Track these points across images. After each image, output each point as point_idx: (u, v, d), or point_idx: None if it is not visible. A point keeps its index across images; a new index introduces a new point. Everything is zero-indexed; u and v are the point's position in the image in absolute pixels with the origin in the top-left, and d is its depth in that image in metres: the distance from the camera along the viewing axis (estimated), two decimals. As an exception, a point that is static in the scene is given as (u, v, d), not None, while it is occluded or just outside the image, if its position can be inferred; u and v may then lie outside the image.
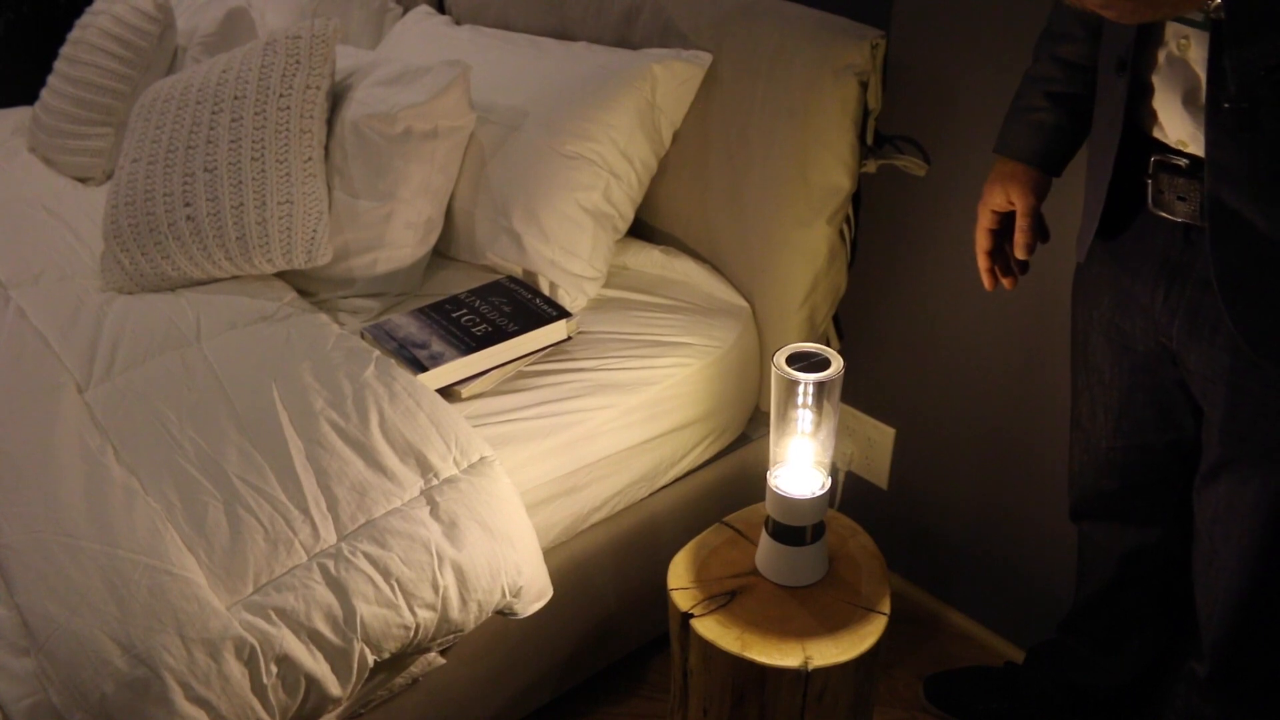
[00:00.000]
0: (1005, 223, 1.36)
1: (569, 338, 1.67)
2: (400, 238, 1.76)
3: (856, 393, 1.97)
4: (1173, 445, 1.31)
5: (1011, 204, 1.33)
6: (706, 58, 1.76)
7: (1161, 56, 1.08)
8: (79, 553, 1.21)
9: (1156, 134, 1.12)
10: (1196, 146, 1.06)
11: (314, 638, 1.23)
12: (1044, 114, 1.31)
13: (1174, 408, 1.27)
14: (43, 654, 1.13)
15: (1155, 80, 1.09)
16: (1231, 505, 1.15)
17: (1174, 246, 1.13)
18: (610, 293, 1.83)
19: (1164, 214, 1.13)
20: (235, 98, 1.74)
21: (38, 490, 1.30)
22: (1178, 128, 1.08)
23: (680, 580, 1.40)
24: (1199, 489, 1.21)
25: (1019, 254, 1.34)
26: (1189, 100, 1.06)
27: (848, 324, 1.92)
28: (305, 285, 1.79)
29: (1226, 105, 0.98)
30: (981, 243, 1.38)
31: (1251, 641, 1.21)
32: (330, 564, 1.27)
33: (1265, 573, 1.15)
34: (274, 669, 1.20)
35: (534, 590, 1.44)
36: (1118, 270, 1.23)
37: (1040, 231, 1.34)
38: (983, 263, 1.38)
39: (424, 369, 1.53)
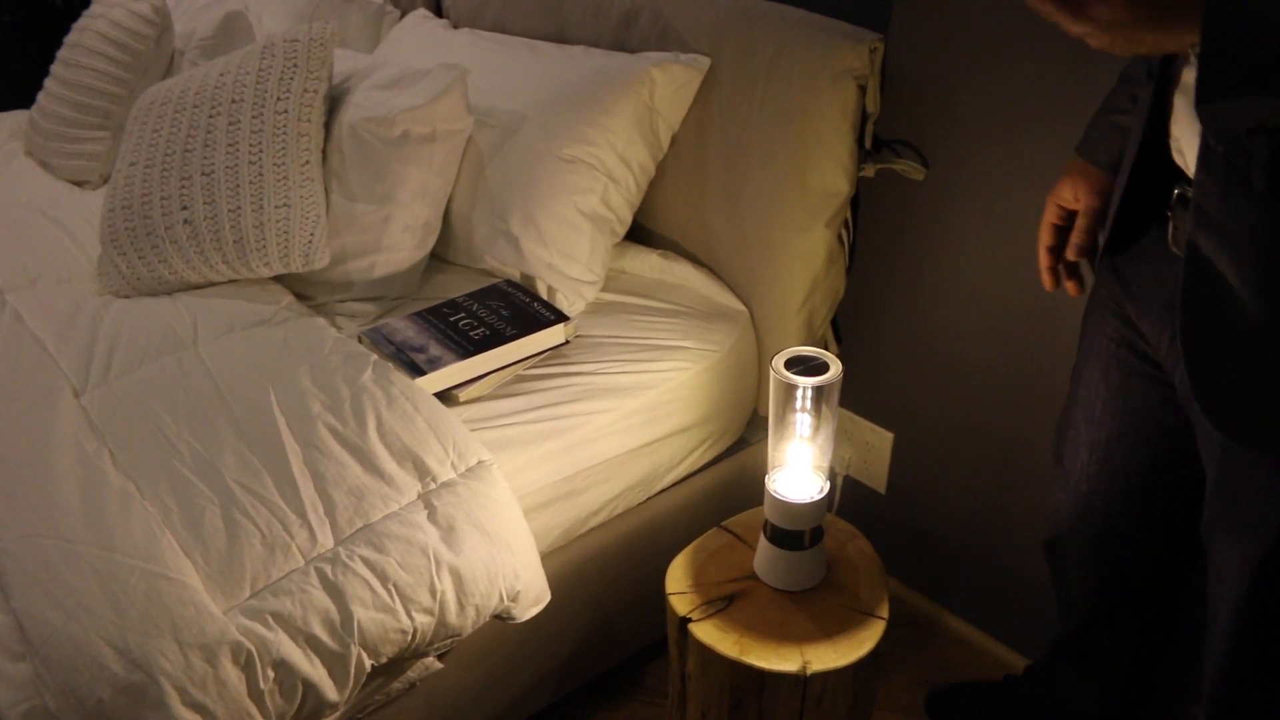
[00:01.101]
0: (1071, 220, 1.31)
1: (567, 342, 1.67)
2: (398, 241, 1.76)
3: (855, 397, 1.96)
4: (1161, 487, 1.27)
5: (1078, 201, 1.27)
6: (705, 61, 1.76)
7: (1185, 75, 1.01)
8: (75, 557, 1.21)
9: (1178, 161, 1.05)
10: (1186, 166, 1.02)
11: (311, 642, 1.23)
12: (1126, 116, 1.23)
13: (1167, 451, 1.23)
14: (39, 659, 1.13)
15: (1177, 100, 1.03)
16: (1221, 565, 1.11)
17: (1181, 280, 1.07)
18: (608, 297, 1.82)
19: (1175, 249, 1.07)
20: (233, 101, 1.73)
21: (34, 495, 1.30)
22: (1191, 158, 1.01)
23: (678, 584, 1.39)
24: (1204, 539, 1.16)
25: (1070, 255, 1.28)
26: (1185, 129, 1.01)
27: (846, 328, 1.92)
28: (303, 289, 1.79)
29: (1220, 149, 0.90)
30: (1044, 237, 1.32)
31: (1244, 700, 1.17)
32: (327, 568, 1.26)
33: (1248, 635, 1.11)
34: (271, 674, 1.20)
35: (532, 594, 1.44)
36: (1124, 298, 1.19)
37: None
38: (1044, 260, 1.33)
39: (422, 373, 1.53)
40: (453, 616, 1.33)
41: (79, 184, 2.29)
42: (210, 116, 1.74)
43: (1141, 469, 1.27)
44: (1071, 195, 1.28)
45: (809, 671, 1.27)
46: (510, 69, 1.91)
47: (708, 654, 1.31)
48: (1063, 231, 1.31)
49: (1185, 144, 1.02)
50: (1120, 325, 1.22)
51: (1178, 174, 1.05)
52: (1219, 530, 1.10)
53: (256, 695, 1.19)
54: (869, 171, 1.70)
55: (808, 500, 1.33)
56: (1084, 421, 1.30)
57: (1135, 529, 1.33)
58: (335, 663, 1.25)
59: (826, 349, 1.79)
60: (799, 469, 1.36)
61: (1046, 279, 1.34)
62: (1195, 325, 0.98)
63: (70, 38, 2.37)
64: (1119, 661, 1.47)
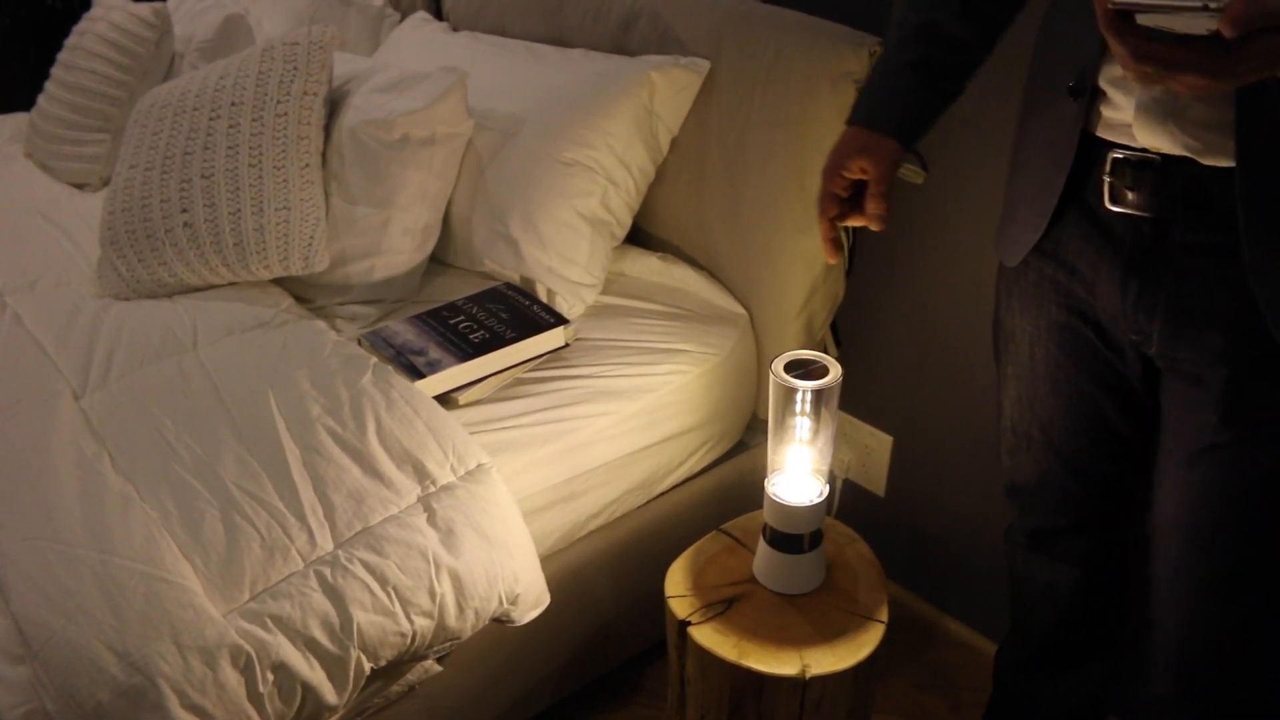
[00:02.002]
0: (852, 190, 1.33)
1: (566, 345, 1.67)
2: (398, 244, 1.76)
3: (854, 400, 1.97)
4: (1104, 462, 1.29)
5: (867, 172, 1.29)
6: (704, 65, 1.76)
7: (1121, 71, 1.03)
8: (74, 560, 1.21)
9: (1107, 135, 1.08)
10: (1174, 149, 1.02)
11: (310, 645, 1.23)
12: (909, 87, 1.28)
13: (1113, 417, 1.24)
14: (38, 662, 1.13)
15: (1117, 97, 1.05)
16: (1225, 487, 1.09)
17: (1142, 241, 1.08)
18: (608, 300, 1.82)
19: (1122, 209, 1.08)
20: (233, 104, 1.74)
21: (33, 498, 1.30)
22: (1154, 137, 1.03)
23: (678, 588, 1.39)
24: (1167, 480, 1.15)
25: (876, 226, 1.30)
26: (1171, 115, 1.01)
27: (845, 331, 1.92)
28: (302, 292, 1.79)
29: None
30: (829, 209, 1.33)
31: (1232, 641, 1.15)
32: (327, 571, 1.26)
33: (1255, 554, 1.10)
34: (270, 677, 1.19)
35: (531, 598, 1.44)
36: (1059, 272, 1.19)
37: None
38: (828, 231, 1.34)
39: (421, 376, 1.53)
40: (452, 619, 1.33)
41: (79, 186, 2.29)
42: (210, 119, 1.74)
43: (1090, 440, 1.29)
44: (859, 167, 1.29)
45: (808, 675, 1.27)
46: (510, 72, 1.92)
47: (707, 657, 1.31)
48: (843, 202, 1.33)
49: (1141, 130, 1.04)
50: (1061, 301, 1.21)
51: (1092, 146, 1.09)
52: (1219, 452, 1.09)
53: (256, 698, 1.19)
54: (868, 175, 1.70)
55: (807, 504, 1.33)
56: (1037, 400, 1.30)
57: (1089, 517, 1.36)
58: (334, 666, 1.24)
59: (826, 352, 1.79)
60: (798, 472, 1.36)
61: (830, 250, 1.35)
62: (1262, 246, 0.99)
63: (70, 40, 2.37)
64: (1074, 660, 1.47)
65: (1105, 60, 1.06)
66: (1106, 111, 1.08)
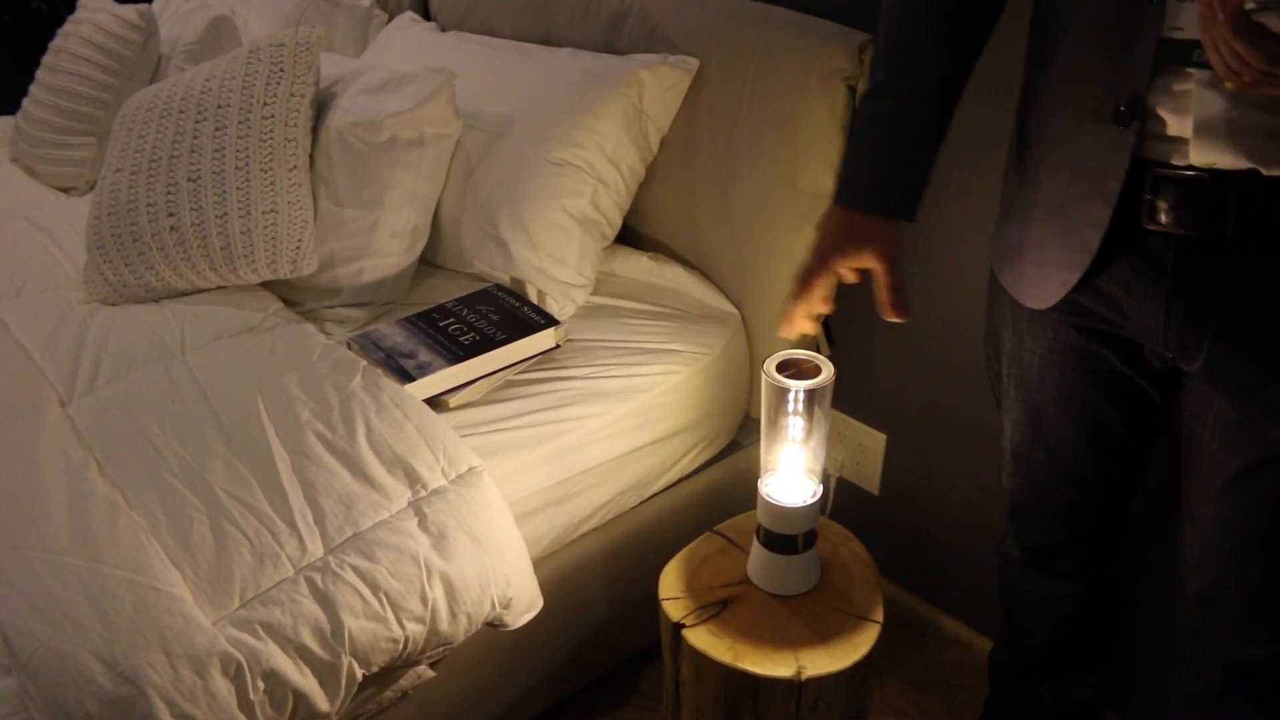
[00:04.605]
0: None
1: (557, 346, 1.66)
2: (386, 246, 1.75)
3: (847, 398, 1.96)
4: (1108, 473, 1.28)
5: (877, 261, 1.20)
6: (693, 63, 1.76)
7: (1175, 88, 0.99)
8: (62, 569, 1.20)
9: (1153, 156, 1.03)
10: (1228, 163, 0.99)
11: (301, 652, 1.22)
12: (912, 161, 1.18)
13: (1121, 429, 1.23)
14: (25, 673, 1.11)
15: (1169, 116, 1.00)
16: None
17: (1185, 260, 1.04)
18: (598, 300, 1.82)
19: (1164, 229, 1.04)
20: (219, 106, 1.72)
21: (20, 506, 1.29)
22: (1214, 152, 0.99)
23: (671, 590, 1.39)
24: (1216, 488, 1.12)
25: (902, 318, 1.22)
26: (1233, 127, 0.98)
27: (837, 329, 1.91)
28: (291, 295, 1.78)
29: None
30: (816, 307, 1.24)
31: None
32: (317, 577, 1.25)
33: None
34: (261, 685, 1.18)
35: (524, 601, 1.43)
36: (1079, 295, 1.15)
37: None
38: (810, 329, 1.25)
39: (411, 379, 1.52)
40: (444, 625, 1.33)
41: (65, 190, 2.28)
42: (196, 122, 1.73)
43: (1095, 457, 1.27)
44: (864, 258, 1.20)
45: (804, 677, 1.26)
46: (498, 72, 1.91)
47: (701, 660, 1.30)
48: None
49: (1196, 147, 1.00)
50: (1080, 331, 1.18)
51: (1137, 167, 1.04)
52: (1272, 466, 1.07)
53: (246, 707, 1.17)
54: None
55: (801, 504, 1.33)
56: (1046, 422, 1.27)
57: (1085, 536, 1.36)
58: (326, 673, 1.24)
59: (818, 351, 1.79)
60: (792, 473, 1.35)
61: (797, 328, 1.26)
62: None
63: (55, 43, 2.36)
64: (1069, 665, 1.47)
65: (1156, 80, 1.00)
66: (1152, 133, 1.03)
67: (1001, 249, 1.23)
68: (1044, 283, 1.16)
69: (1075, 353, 1.20)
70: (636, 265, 1.90)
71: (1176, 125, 1.00)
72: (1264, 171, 0.98)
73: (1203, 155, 1.00)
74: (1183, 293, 1.06)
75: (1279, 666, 1.15)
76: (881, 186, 1.20)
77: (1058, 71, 1.09)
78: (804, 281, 1.24)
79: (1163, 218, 1.04)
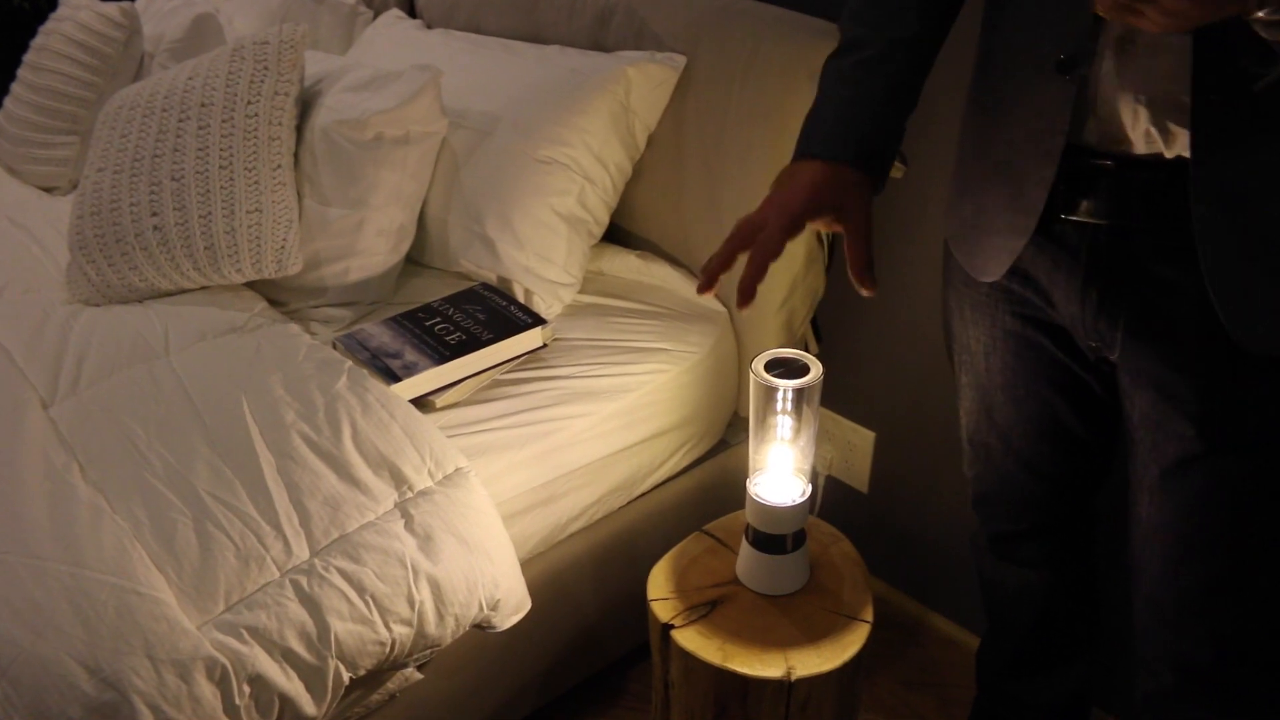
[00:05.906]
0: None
1: (544, 345, 1.65)
2: (372, 245, 1.74)
3: (836, 396, 1.96)
4: (1065, 464, 1.28)
5: (847, 217, 1.12)
6: (681, 60, 1.75)
7: (1110, 52, 0.99)
8: (44, 574, 1.18)
9: (1096, 135, 1.03)
10: (1147, 147, 0.99)
11: (287, 656, 1.21)
12: (886, 115, 1.15)
13: (1071, 421, 1.23)
14: (6, 680, 1.10)
15: (1107, 69, 1.00)
16: (1211, 496, 1.08)
17: (1100, 249, 1.06)
18: (586, 299, 1.81)
19: (1078, 219, 1.06)
20: (202, 105, 1.71)
21: (1, 509, 1.27)
22: (1131, 126, 1.00)
23: (660, 590, 1.38)
24: (1146, 487, 1.13)
25: (869, 290, 1.13)
26: (1157, 100, 0.98)
27: (826, 327, 1.91)
28: (276, 295, 1.77)
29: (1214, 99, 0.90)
30: (775, 255, 1.10)
31: (1232, 632, 1.14)
32: (303, 580, 1.24)
33: (1251, 557, 1.09)
34: (246, 689, 1.17)
35: (512, 603, 1.42)
36: (1012, 280, 1.16)
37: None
38: (720, 268, 1.13)
39: (397, 379, 1.51)
40: (432, 627, 1.32)
41: (48, 190, 2.25)
42: (180, 121, 1.71)
43: (1051, 448, 1.28)
44: (833, 212, 1.13)
45: (793, 677, 1.25)
46: (484, 70, 1.90)
47: (690, 661, 1.29)
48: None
49: (1127, 118, 1.00)
50: (1014, 308, 1.19)
51: (1077, 153, 1.04)
52: (1204, 461, 1.07)
53: (232, 711, 1.16)
54: (847, 170, 1.68)
55: (789, 504, 1.32)
56: (998, 409, 1.28)
57: (1049, 523, 1.36)
58: (312, 676, 1.23)
59: (806, 349, 1.78)
60: (780, 472, 1.35)
61: (707, 287, 1.14)
62: (1221, 269, 0.98)
63: (37, 41, 2.33)
64: (1049, 660, 1.47)
65: (1101, 32, 0.99)
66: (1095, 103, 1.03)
67: (954, 221, 1.23)
68: (994, 252, 1.15)
69: (1015, 339, 1.22)
70: (624, 264, 1.89)
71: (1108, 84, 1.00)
72: (1166, 154, 0.99)
73: (1130, 131, 1.00)
74: (1094, 282, 1.08)
75: (1226, 670, 1.14)
76: (867, 139, 1.15)
77: (1008, 32, 1.10)
78: (778, 242, 1.11)
79: (1073, 207, 1.06)
